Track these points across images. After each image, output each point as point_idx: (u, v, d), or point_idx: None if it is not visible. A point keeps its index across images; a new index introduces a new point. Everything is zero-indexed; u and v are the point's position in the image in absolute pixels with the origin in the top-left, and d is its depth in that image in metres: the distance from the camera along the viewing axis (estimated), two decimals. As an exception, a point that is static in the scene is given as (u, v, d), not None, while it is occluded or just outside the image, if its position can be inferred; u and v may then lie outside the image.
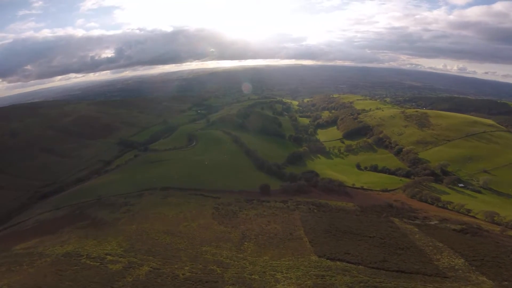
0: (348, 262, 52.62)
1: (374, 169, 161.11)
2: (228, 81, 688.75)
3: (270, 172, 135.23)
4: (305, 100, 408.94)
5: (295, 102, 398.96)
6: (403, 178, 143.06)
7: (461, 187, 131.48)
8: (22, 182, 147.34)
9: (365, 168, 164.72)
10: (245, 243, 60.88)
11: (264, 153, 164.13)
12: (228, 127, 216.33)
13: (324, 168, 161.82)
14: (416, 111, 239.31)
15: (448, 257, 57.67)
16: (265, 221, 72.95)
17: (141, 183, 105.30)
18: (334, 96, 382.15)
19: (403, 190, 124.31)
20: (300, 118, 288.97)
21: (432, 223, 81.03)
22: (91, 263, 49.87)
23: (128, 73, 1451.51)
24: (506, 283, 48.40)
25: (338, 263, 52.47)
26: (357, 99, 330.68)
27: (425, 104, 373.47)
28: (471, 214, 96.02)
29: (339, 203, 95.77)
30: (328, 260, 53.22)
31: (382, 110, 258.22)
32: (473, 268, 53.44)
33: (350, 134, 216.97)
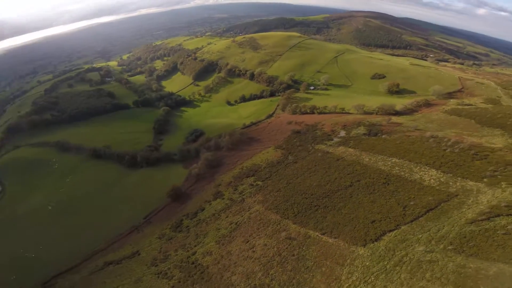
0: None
1: (243, 99, 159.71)
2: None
3: (148, 162, 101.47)
4: (124, 57, 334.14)
5: (113, 63, 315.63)
6: (272, 99, 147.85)
7: (312, 89, 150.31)
8: None
9: (235, 102, 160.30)
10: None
11: (117, 140, 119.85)
12: (36, 138, 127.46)
13: (200, 119, 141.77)
14: (244, 37, 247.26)
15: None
16: None
17: None
18: (158, 43, 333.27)
19: (282, 109, 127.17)
20: (132, 78, 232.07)
21: (346, 135, 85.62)
22: None
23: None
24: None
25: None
26: (185, 40, 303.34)
27: (240, 30, 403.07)
28: (345, 110, 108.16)
29: (263, 156, 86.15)
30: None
31: (215, 44, 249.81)
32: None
33: (200, 75, 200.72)
